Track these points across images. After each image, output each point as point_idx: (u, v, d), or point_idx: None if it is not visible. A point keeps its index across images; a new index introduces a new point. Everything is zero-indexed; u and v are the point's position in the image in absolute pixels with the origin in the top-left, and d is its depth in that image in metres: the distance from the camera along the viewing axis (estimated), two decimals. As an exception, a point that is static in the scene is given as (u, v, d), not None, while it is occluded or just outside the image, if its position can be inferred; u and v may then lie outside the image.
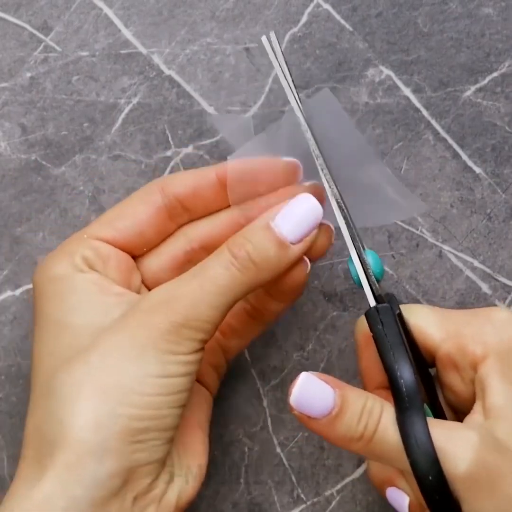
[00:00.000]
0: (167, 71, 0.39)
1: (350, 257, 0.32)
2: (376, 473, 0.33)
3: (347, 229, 0.32)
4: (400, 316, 0.32)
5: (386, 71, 0.39)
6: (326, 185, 0.32)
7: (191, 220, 0.35)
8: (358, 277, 0.32)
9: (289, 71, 0.32)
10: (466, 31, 0.39)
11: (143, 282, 0.35)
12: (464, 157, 0.39)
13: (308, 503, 0.38)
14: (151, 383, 0.30)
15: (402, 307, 0.32)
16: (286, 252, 0.32)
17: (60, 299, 0.32)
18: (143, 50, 0.39)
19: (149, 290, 0.34)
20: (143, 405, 0.30)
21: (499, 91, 0.39)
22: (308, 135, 0.32)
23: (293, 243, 0.32)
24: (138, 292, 0.34)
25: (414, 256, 0.39)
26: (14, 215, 0.38)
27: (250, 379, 0.39)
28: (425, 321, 0.33)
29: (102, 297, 0.32)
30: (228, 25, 0.39)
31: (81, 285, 0.32)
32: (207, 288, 0.31)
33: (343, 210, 0.32)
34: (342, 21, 0.39)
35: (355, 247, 0.32)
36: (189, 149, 0.39)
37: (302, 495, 0.39)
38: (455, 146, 0.39)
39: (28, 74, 0.39)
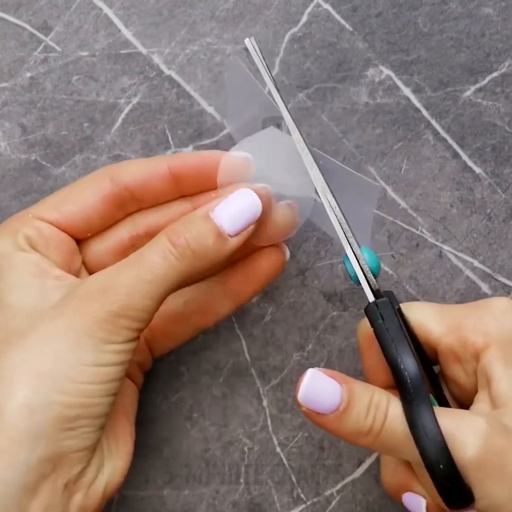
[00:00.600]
0: (167, 71, 0.39)
1: (346, 255, 0.32)
2: (390, 480, 0.34)
3: (340, 227, 0.32)
4: (400, 312, 0.32)
5: (386, 71, 0.39)
6: (315, 183, 0.32)
7: (140, 209, 0.35)
8: (355, 274, 0.32)
9: (270, 73, 0.33)
10: (466, 31, 0.39)
11: (86, 265, 0.35)
12: (464, 157, 0.39)
13: (308, 503, 0.38)
14: (85, 371, 0.30)
15: (401, 305, 0.33)
16: (224, 243, 0.32)
17: None
18: (143, 50, 0.39)
19: (91, 273, 0.35)
20: (77, 393, 0.30)
21: (499, 91, 0.39)
22: (296, 134, 0.32)
23: (230, 235, 0.32)
24: (78, 275, 0.34)
25: (414, 256, 0.39)
26: (14, 215, 0.38)
27: (250, 379, 0.39)
28: (425, 317, 0.33)
29: (41, 279, 0.32)
30: (228, 25, 0.39)
31: (21, 265, 0.32)
32: (144, 277, 0.31)
33: (334, 208, 0.32)
34: (342, 21, 0.39)
35: (349, 244, 0.32)
36: (189, 149, 0.39)
37: (302, 495, 0.39)
38: (455, 146, 0.39)
39: (28, 74, 0.39)
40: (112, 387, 0.31)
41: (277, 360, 0.39)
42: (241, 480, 0.39)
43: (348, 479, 0.39)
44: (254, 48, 0.33)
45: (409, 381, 0.29)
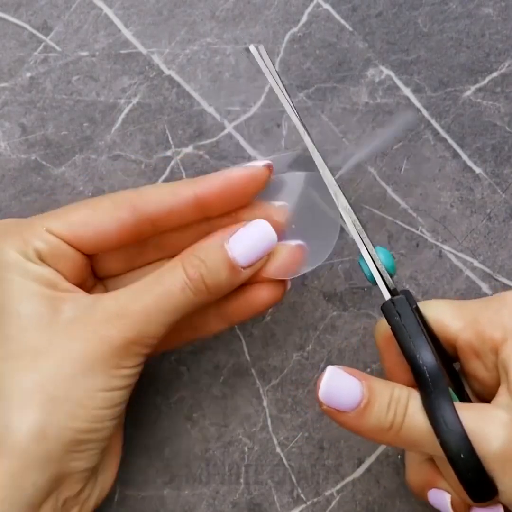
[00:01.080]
0: (167, 71, 0.39)
1: (361, 255, 0.32)
2: (415, 479, 0.34)
3: (355, 228, 0.32)
4: (418, 311, 0.32)
5: (386, 71, 0.39)
6: (327, 183, 0.32)
7: (155, 234, 0.33)
8: (371, 274, 0.32)
9: (280, 78, 0.33)
10: (466, 31, 0.39)
11: (99, 271, 0.35)
12: (464, 157, 0.39)
13: (308, 503, 0.38)
14: (98, 397, 0.30)
15: (418, 304, 0.33)
16: (237, 276, 0.32)
17: (9, 284, 0.31)
18: (143, 50, 0.39)
19: (107, 286, 0.35)
20: (88, 418, 0.30)
21: (499, 91, 0.39)
22: (306, 138, 0.32)
23: (243, 268, 0.32)
24: (89, 290, 0.34)
25: (414, 256, 0.39)
26: (14, 215, 0.38)
27: (250, 379, 0.39)
28: (441, 313, 0.33)
29: (51, 290, 0.31)
30: (228, 25, 0.39)
31: (31, 274, 0.31)
32: (161, 306, 0.31)
33: (348, 210, 0.32)
34: (342, 21, 0.39)
35: (364, 244, 0.32)
36: (189, 149, 0.39)
37: (302, 495, 0.39)
38: (455, 146, 0.39)
39: (28, 74, 0.39)
40: (119, 410, 0.32)
41: (277, 360, 0.39)
42: (241, 480, 0.39)
43: (348, 479, 0.39)
44: (261, 56, 0.32)
45: (427, 374, 0.30)
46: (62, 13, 0.39)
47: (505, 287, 0.38)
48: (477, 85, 0.39)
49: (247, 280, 0.33)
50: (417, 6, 0.39)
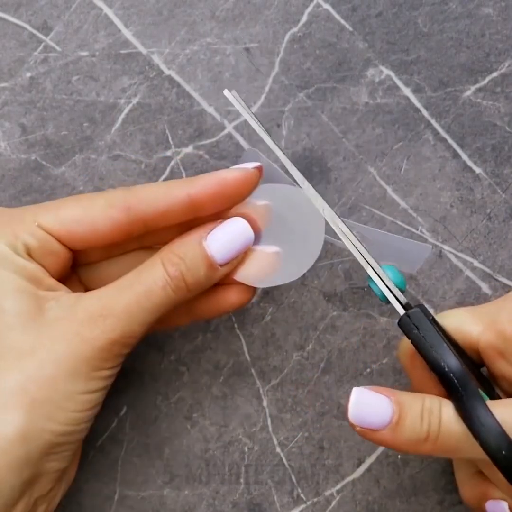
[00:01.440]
0: (167, 71, 0.39)
1: (369, 277, 0.32)
2: (469, 495, 0.34)
3: (358, 251, 0.32)
4: (435, 322, 0.32)
5: (386, 71, 0.39)
6: (319, 208, 0.32)
7: (146, 233, 0.33)
8: (382, 293, 0.32)
9: (255, 115, 0.33)
10: (466, 31, 0.39)
11: (75, 260, 0.34)
12: (464, 157, 0.39)
13: (308, 503, 0.38)
14: (78, 399, 0.30)
15: (436, 316, 0.33)
16: (215, 273, 0.32)
17: None
18: (143, 50, 0.39)
19: (87, 283, 0.35)
20: (67, 421, 0.30)
21: (499, 91, 0.39)
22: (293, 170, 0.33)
23: (220, 265, 0.32)
24: (66, 279, 0.34)
25: (414, 256, 0.39)
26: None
27: (250, 379, 0.39)
28: (459, 321, 0.33)
29: (37, 289, 0.31)
30: (228, 25, 0.39)
31: (20, 270, 0.31)
32: (143, 305, 0.31)
33: (347, 234, 0.32)
34: (342, 21, 0.39)
35: (371, 266, 0.32)
36: (189, 149, 0.39)
37: (302, 495, 0.39)
38: (455, 146, 0.39)
39: (28, 74, 0.39)
40: (95, 411, 0.32)
41: (277, 360, 0.39)
42: (241, 480, 0.39)
43: (348, 479, 0.38)
44: (236, 99, 0.33)
45: (455, 379, 0.30)
46: (62, 13, 0.39)
47: (505, 287, 0.38)
48: (477, 85, 0.39)
49: (219, 279, 0.33)
50: (417, 6, 0.39)
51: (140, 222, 0.32)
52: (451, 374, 0.30)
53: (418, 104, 0.39)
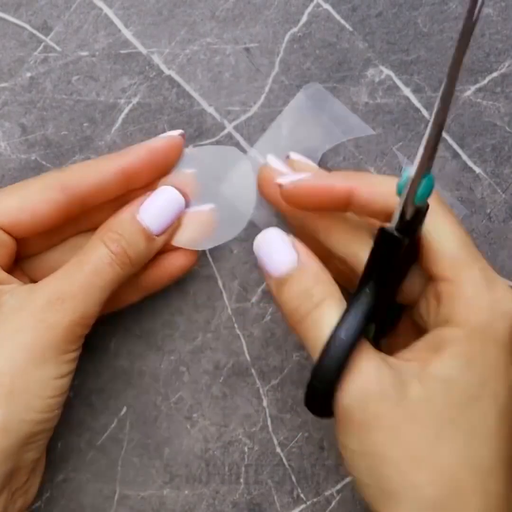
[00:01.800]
0: (167, 71, 0.39)
1: (407, 168, 0.27)
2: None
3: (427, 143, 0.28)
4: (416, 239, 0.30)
5: (386, 71, 0.39)
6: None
7: (83, 212, 0.34)
8: (402, 189, 0.28)
9: None
10: (466, 31, 0.39)
11: (18, 253, 0.34)
12: (464, 157, 0.39)
13: (308, 503, 0.38)
14: (51, 385, 0.31)
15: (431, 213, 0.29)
16: (153, 243, 0.34)
17: None
18: (143, 50, 0.39)
19: (30, 271, 0.35)
20: (43, 408, 0.31)
21: (499, 91, 0.39)
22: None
23: (157, 235, 0.34)
24: (11, 273, 0.34)
25: (414, 256, 0.38)
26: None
27: (250, 379, 0.39)
28: (439, 244, 0.30)
29: None
30: (228, 25, 0.39)
31: None
32: (95, 283, 0.32)
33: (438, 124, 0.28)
34: (342, 21, 0.39)
35: (421, 163, 0.27)
36: (189, 149, 0.39)
37: (302, 495, 0.39)
38: (455, 146, 0.39)
39: (28, 74, 0.39)
40: (65, 396, 0.32)
41: (277, 360, 0.39)
42: (241, 480, 0.39)
43: (348, 479, 0.38)
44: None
45: (357, 302, 0.29)
46: (62, 13, 0.39)
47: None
48: (477, 85, 0.39)
49: (161, 249, 0.35)
50: (417, 6, 0.39)
51: (77, 201, 0.33)
52: (360, 301, 0.29)
53: (418, 104, 0.39)
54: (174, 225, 0.35)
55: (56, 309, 0.31)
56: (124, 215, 0.34)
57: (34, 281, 0.34)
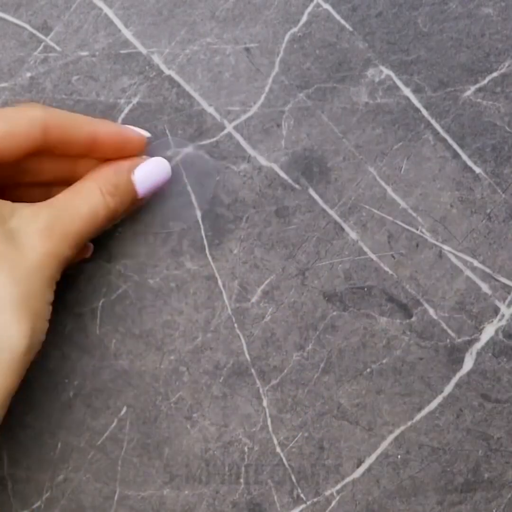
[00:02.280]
0: (167, 71, 0.39)
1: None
2: None
3: None
4: None
5: (386, 71, 0.39)
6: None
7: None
8: None
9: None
10: (466, 31, 0.39)
11: None
12: (464, 157, 0.39)
13: (308, 503, 0.38)
14: (49, 310, 0.33)
15: None
16: (133, 205, 0.36)
17: None
18: (143, 50, 0.39)
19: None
20: (44, 331, 0.33)
21: (499, 91, 0.39)
22: None
23: (139, 198, 0.36)
24: None
25: (414, 256, 0.39)
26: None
27: (250, 379, 0.39)
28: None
29: None
30: (228, 25, 0.39)
31: None
32: (89, 228, 0.34)
33: None
34: (342, 21, 0.39)
35: None
36: (189, 149, 0.39)
37: (302, 495, 0.39)
38: (455, 146, 0.39)
39: (28, 74, 0.39)
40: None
41: (277, 360, 0.39)
42: (241, 480, 0.39)
43: (348, 479, 0.38)
44: None
45: None
46: (62, 13, 0.39)
47: (505, 287, 0.38)
48: (477, 85, 0.39)
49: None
50: (417, 6, 0.39)
51: (51, 144, 0.34)
52: None
53: (418, 104, 0.39)
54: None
55: (58, 240, 0.33)
56: (122, 171, 0.35)
57: None
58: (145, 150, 0.37)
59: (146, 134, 0.37)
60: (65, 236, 0.33)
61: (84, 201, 0.34)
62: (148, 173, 0.36)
